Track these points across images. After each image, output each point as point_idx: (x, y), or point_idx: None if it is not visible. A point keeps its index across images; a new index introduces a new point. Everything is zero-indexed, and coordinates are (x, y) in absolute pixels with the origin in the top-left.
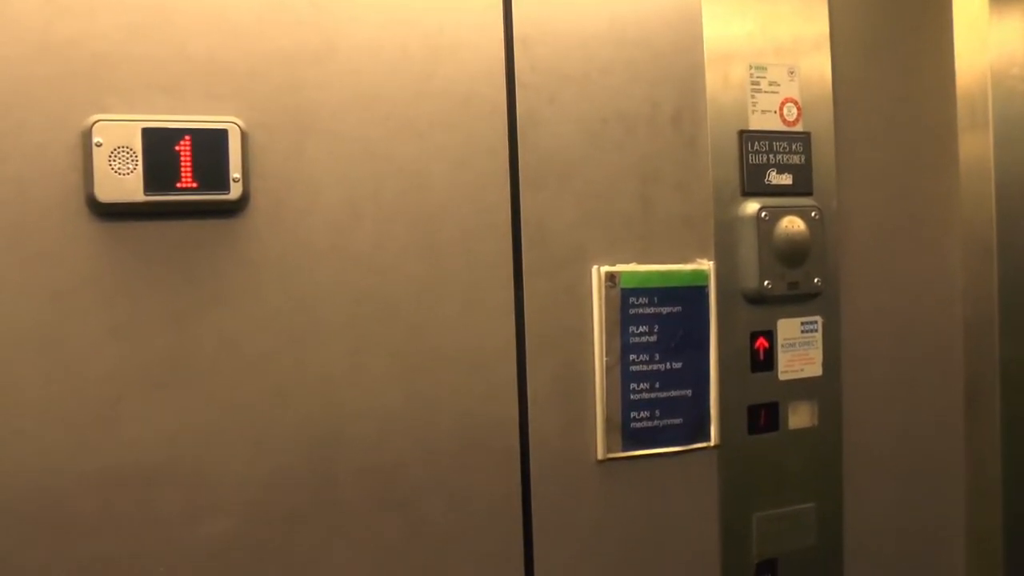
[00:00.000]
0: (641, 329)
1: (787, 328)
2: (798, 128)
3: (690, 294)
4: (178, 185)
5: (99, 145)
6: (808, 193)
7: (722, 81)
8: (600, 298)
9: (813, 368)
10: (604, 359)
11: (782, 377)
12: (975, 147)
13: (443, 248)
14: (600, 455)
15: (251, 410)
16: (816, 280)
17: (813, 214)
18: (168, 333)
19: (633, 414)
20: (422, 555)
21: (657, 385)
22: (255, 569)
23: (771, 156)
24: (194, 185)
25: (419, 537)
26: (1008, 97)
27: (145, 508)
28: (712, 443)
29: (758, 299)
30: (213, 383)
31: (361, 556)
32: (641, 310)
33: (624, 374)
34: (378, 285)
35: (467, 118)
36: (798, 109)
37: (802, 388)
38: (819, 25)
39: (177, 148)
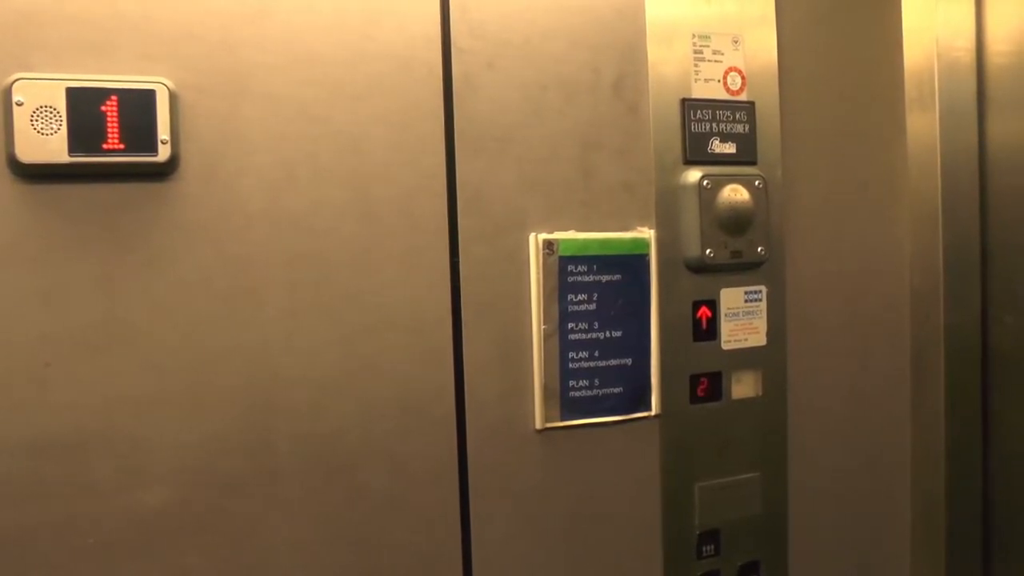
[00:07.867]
0: (580, 297)
1: (730, 297)
2: (742, 97)
3: (630, 262)
4: (104, 146)
5: (20, 104)
6: (752, 162)
7: (665, 49)
8: (538, 266)
9: (757, 337)
10: (542, 327)
11: (725, 347)
12: (922, 118)
13: (380, 212)
14: (539, 424)
15: (185, 375)
16: (760, 249)
17: (757, 183)
18: (97, 297)
19: (572, 383)
20: (360, 521)
21: (596, 354)
22: (191, 538)
23: (714, 125)
24: (121, 146)
25: (357, 503)
26: (953, 69)
27: (75, 476)
28: (653, 412)
29: (700, 268)
30: (145, 348)
31: (299, 523)
32: (580, 278)
33: (562, 342)
34: (314, 248)
35: (405, 82)
36: (742, 78)
37: (746, 358)
38: None
39: (103, 108)
